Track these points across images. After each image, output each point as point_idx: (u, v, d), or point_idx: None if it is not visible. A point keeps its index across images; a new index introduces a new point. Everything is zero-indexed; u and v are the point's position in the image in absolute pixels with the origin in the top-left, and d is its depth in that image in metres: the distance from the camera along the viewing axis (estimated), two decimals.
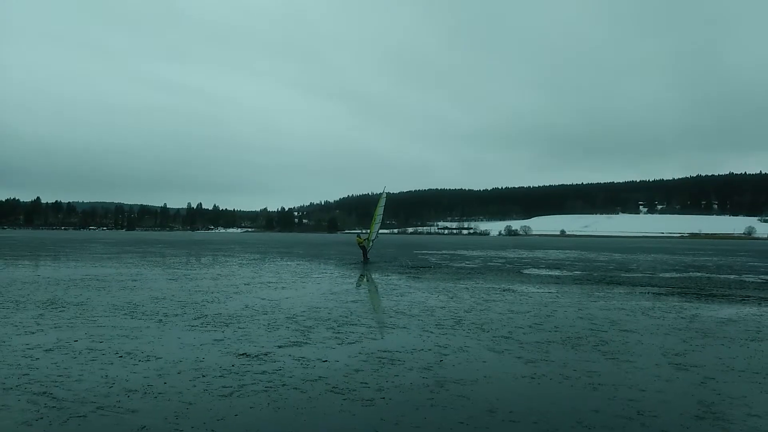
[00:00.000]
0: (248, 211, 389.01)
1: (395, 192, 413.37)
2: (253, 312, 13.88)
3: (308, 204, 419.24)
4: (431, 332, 11.45)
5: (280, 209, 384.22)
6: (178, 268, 29.02)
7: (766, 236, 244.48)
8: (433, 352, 9.61)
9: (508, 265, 36.00)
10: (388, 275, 26.40)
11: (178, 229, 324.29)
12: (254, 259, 39.00)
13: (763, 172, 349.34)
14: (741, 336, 11.48)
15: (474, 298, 17.45)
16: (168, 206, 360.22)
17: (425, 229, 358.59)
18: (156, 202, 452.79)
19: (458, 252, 59.36)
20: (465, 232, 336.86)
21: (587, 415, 6.50)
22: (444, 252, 58.77)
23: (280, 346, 9.89)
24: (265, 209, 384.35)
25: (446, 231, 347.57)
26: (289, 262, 35.85)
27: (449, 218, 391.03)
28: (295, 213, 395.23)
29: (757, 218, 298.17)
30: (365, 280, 23.63)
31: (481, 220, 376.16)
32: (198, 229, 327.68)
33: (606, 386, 7.68)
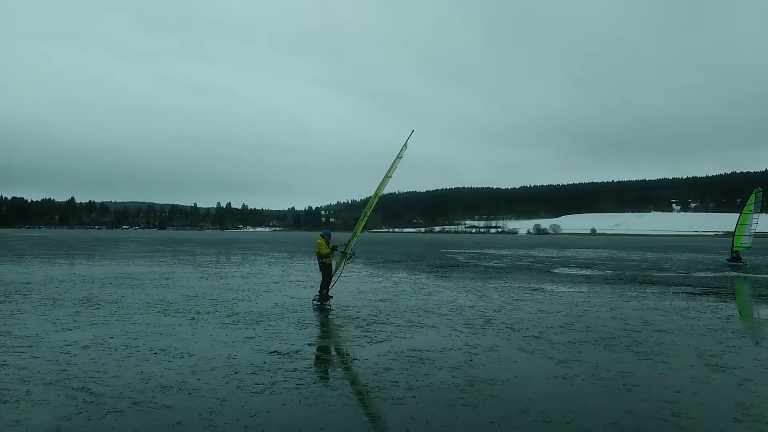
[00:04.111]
0: (276, 211, 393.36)
1: (422, 191, 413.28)
2: (283, 310, 14.02)
3: (335, 203, 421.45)
4: (461, 331, 11.40)
5: (307, 208, 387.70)
6: (208, 267, 29.46)
7: None
8: (462, 351, 9.57)
9: (537, 264, 35.63)
10: (416, 274, 26.37)
11: (207, 228, 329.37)
12: (283, 258, 39.36)
13: None
14: None
15: (503, 297, 17.32)
16: (198, 206, 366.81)
17: (453, 227, 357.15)
18: (186, 201, 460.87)
19: (486, 251, 58.98)
20: (493, 230, 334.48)
21: (621, 416, 6.39)
22: (472, 251, 58.46)
23: (310, 344, 9.97)
24: (293, 208, 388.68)
25: (474, 230, 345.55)
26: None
27: (477, 217, 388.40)
28: (322, 212, 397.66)
29: None
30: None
31: (510, 219, 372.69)
32: (227, 228, 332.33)
33: (640, 387, 7.54)
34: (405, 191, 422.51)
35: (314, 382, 7.56)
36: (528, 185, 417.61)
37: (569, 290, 19.77)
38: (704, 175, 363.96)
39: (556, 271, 30.08)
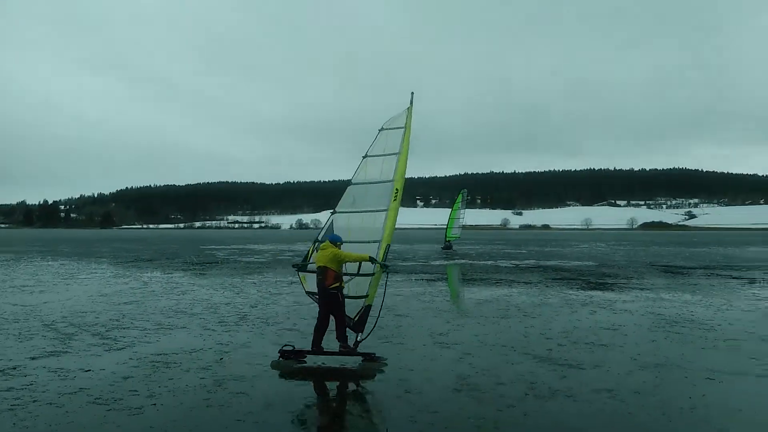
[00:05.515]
0: (1, 205, 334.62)
1: (181, 184, 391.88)
2: (1, 321, 11.98)
3: (78, 196, 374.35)
4: (213, 330, 11.07)
5: (42, 202, 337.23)
6: None
7: (518, 227, 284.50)
8: (213, 351, 9.29)
9: (297, 258, 36.34)
10: (170, 273, 24.90)
11: None
12: (6, 260, 33.69)
13: (516, 171, 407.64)
14: (494, 314, 13.12)
15: (261, 292, 17.31)
16: None
17: (214, 223, 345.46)
18: None
19: (248, 246, 58.37)
20: (256, 226, 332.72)
21: (361, 398, 6.85)
22: (233, 247, 57.30)
23: (33, 358, 8.68)
24: (24, 202, 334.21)
25: (237, 225, 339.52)
26: (51, 263, 31.70)
27: (240, 212, 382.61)
28: (62, 206, 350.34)
29: (510, 211, 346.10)
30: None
31: (273, 214, 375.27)
32: None
33: (379, 369, 8.17)
34: (162, 184, 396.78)
35: (34, 401, 6.60)
36: (292, 181, 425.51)
37: None
38: (443, 175, 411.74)
39: None
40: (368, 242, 9.17)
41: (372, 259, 8.65)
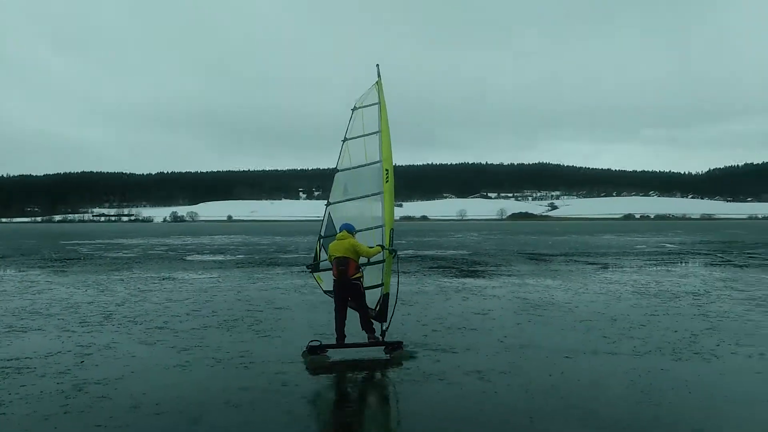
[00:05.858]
0: None
1: (39, 174, 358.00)
2: None
3: None
4: (73, 331, 10.24)
5: None
6: None
7: (398, 218, 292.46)
8: (73, 353, 8.58)
9: (170, 253, 34.69)
10: (24, 271, 22.68)
11: None
12: None
13: (397, 165, 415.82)
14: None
15: (129, 289, 16.28)
16: None
17: (77, 216, 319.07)
18: None
19: (116, 241, 54.63)
20: (125, 219, 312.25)
21: (236, 393, 6.65)
22: (98, 241, 53.32)
23: None
24: None
25: (103, 218, 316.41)
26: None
27: (107, 204, 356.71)
28: None
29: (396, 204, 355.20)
30: None
31: (144, 206, 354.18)
32: None
33: (256, 364, 8.00)
34: (16, 174, 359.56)
35: None
36: (165, 171, 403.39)
37: (200, 276, 19.82)
38: (326, 167, 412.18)
39: (190, 258, 29.83)
40: (369, 229, 9.00)
41: (382, 247, 8.62)
